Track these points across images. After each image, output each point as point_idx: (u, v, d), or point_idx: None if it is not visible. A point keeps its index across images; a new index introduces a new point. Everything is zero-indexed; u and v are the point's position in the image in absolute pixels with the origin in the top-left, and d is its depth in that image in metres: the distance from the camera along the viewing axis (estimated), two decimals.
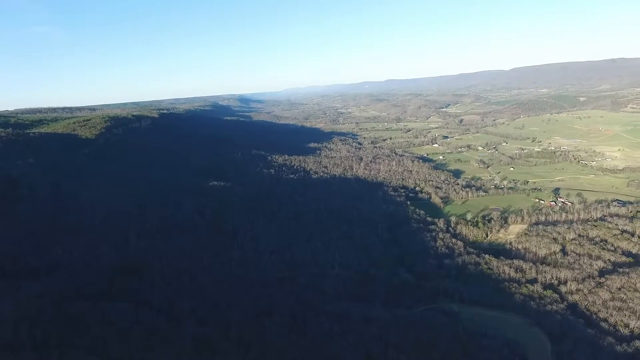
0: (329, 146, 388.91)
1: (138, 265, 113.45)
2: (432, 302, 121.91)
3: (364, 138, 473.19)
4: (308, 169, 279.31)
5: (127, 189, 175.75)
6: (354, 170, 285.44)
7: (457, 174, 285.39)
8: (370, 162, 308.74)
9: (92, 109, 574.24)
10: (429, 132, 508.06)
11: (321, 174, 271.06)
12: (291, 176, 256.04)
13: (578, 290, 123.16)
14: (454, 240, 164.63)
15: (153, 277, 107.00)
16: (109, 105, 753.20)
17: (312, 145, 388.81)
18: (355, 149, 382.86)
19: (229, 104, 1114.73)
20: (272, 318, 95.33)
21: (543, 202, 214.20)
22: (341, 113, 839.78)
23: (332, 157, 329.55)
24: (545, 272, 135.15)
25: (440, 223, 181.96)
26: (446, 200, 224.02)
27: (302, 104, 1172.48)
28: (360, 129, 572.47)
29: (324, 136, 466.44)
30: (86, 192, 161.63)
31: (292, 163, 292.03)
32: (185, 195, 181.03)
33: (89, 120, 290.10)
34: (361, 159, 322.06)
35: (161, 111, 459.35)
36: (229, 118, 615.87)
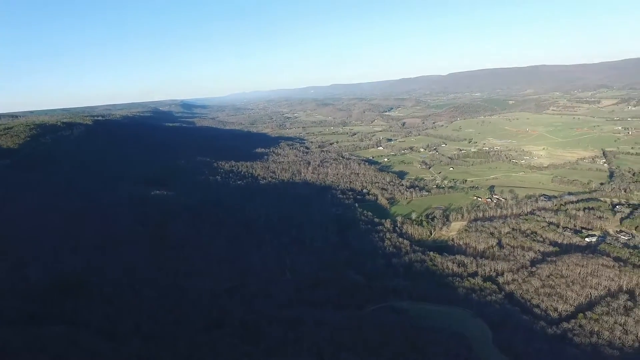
0: (276, 151, 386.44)
1: (73, 283, 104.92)
2: (382, 301, 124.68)
3: (311, 142, 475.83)
4: (256, 175, 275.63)
5: (59, 202, 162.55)
6: (303, 174, 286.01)
7: (401, 175, 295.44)
8: (318, 166, 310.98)
9: (13, 115, 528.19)
10: (374, 135, 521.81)
11: (269, 179, 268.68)
12: (239, 182, 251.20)
13: (513, 280, 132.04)
14: (400, 239, 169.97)
15: (91, 294, 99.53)
16: (33, 112, 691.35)
17: (259, 150, 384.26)
18: (303, 153, 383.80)
19: (171, 110, 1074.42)
20: (223, 329, 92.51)
21: (480, 199, 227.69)
22: (288, 118, 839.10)
23: (280, 162, 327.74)
24: (484, 265, 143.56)
25: (387, 223, 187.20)
26: (392, 201, 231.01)
27: (248, 109, 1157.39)
28: (307, 133, 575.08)
29: (271, 141, 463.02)
30: (8, 206, 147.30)
31: (240, 169, 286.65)
32: (125, 206, 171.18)
33: (11, 128, 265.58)
34: (309, 163, 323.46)
35: (95, 118, 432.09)
36: (170, 124, 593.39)
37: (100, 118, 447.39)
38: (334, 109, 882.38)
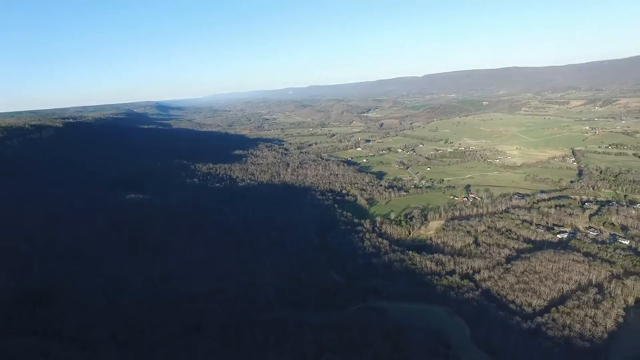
0: (255, 153, 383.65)
1: (44, 292, 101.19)
2: (363, 301, 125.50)
3: (290, 144, 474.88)
4: (234, 177, 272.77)
5: (26, 208, 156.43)
6: (282, 176, 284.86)
7: (380, 175, 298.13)
8: (298, 168, 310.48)
9: None
10: (352, 136, 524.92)
11: (248, 181, 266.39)
12: (217, 185, 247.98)
13: (490, 277, 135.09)
14: (380, 239, 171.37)
15: (64, 303, 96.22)
16: None
17: (237, 152, 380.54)
18: (282, 154, 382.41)
19: (146, 112, 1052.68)
20: (203, 334, 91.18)
21: (457, 198, 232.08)
22: (266, 119, 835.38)
23: (258, 164, 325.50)
24: (461, 263, 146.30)
25: (367, 224, 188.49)
26: (371, 201, 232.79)
27: (225, 111, 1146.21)
28: (285, 134, 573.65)
29: (250, 143, 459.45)
30: None
31: (217, 171, 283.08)
32: (99, 211, 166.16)
33: None
34: (288, 164, 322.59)
35: (66, 120, 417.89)
36: (146, 126, 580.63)
37: (71, 120, 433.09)
38: (313, 110, 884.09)
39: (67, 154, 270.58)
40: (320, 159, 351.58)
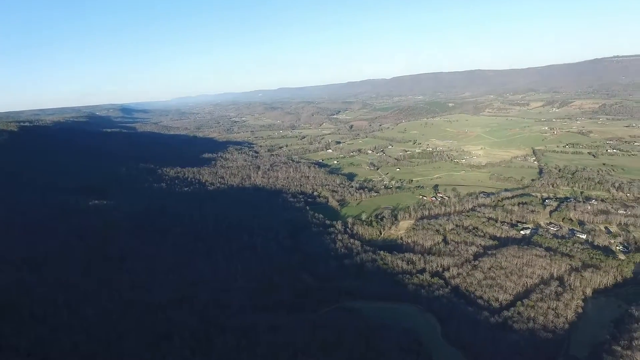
0: (224, 156, 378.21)
1: None
2: (335, 302, 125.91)
3: (260, 146, 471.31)
4: (203, 181, 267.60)
5: None
6: (252, 179, 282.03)
7: (350, 177, 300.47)
8: (268, 170, 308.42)
9: None
10: (323, 138, 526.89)
11: (218, 184, 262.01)
12: (185, 189, 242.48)
13: (459, 274, 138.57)
14: (352, 240, 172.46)
15: (20, 316, 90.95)
16: None
17: (206, 155, 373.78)
18: (252, 157, 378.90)
19: (109, 115, 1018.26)
20: (172, 342, 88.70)
21: (426, 198, 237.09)
22: (235, 122, 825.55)
23: (228, 167, 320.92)
24: (431, 261, 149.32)
25: (339, 225, 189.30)
26: (342, 202, 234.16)
27: (193, 114, 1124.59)
28: (255, 137, 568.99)
29: (219, 146, 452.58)
30: None
31: (186, 175, 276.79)
32: (59, 218, 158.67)
33: None
34: (259, 167, 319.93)
35: (22, 124, 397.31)
36: (109, 130, 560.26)
37: (27, 124, 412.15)
38: (283, 113, 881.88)
39: (23, 160, 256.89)
40: (291, 161, 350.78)
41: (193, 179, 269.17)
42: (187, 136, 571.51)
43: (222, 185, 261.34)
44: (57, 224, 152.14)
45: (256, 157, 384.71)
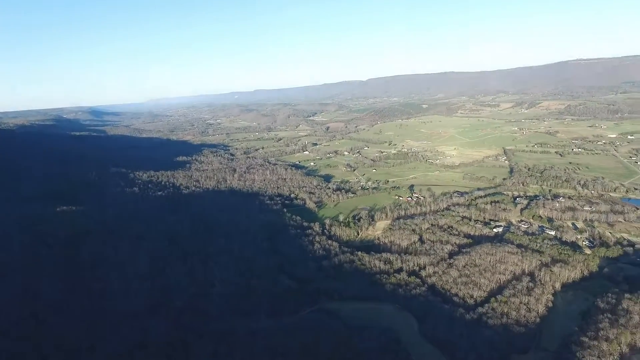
0: (199, 159, 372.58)
1: None
2: (314, 304, 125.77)
3: (236, 149, 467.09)
4: (178, 184, 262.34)
5: None
6: (228, 182, 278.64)
7: (327, 178, 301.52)
8: (245, 173, 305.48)
9: None
10: (299, 140, 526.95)
11: (193, 188, 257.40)
12: (159, 193, 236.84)
13: (435, 272, 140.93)
14: (329, 241, 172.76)
15: None
16: None
17: (180, 159, 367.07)
18: (228, 160, 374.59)
19: (77, 118, 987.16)
20: (147, 350, 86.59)
21: (402, 198, 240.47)
22: (210, 124, 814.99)
23: (203, 170, 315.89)
24: (408, 260, 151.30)
25: (316, 227, 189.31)
26: (320, 204, 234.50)
27: (167, 116, 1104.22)
28: (231, 139, 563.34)
29: (194, 149, 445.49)
30: None
31: (160, 179, 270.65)
32: (25, 226, 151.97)
33: None
34: (235, 170, 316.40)
35: None
36: (78, 133, 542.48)
37: None
38: (259, 115, 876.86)
39: None
40: (267, 164, 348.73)
41: (167, 183, 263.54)
42: (161, 139, 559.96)
43: (198, 189, 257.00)
44: (21, 232, 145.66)
45: (232, 159, 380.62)
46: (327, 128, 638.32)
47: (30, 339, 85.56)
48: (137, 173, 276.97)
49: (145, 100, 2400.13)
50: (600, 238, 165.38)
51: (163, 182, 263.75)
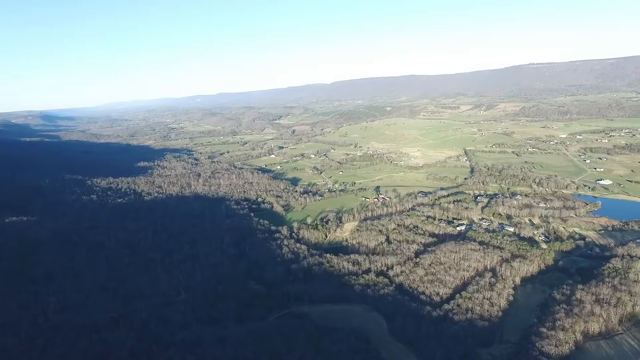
0: (162, 164, 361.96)
1: None
2: (284, 308, 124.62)
3: (200, 153, 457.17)
4: (139, 191, 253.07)
5: None
6: (193, 187, 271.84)
7: (294, 181, 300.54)
8: (210, 178, 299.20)
9: None
10: (265, 143, 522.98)
11: (155, 194, 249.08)
12: (119, 200, 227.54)
13: (402, 272, 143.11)
14: (298, 245, 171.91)
15: None
16: None
17: (142, 164, 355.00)
18: (192, 165, 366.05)
19: (27, 123, 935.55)
20: None
21: (368, 199, 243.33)
22: (173, 128, 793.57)
23: (166, 176, 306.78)
24: (376, 261, 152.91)
25: (284, 230, 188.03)
26: (287, 207, 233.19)
27: (126, 120, 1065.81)
28: (195, 144, 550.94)
29: (155, 154, 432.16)
30: None
31: (120, 186, 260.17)
32: None
33: None
34: (199, 175, 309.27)
35: None
36: (28, 139, 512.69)
37: None
38: (223, 118, 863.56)
39: None
40: (233, 168, 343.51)
41: (128, 189, 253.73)
42: (120, 144, 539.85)
43: (160, 195, 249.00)
44: None
45: (196, 164, 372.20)
46: (293, 131, 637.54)
47: None
48: (95, 180, 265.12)
49: (102, 104, 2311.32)
50: (554, 233, 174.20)
51: (123, 189, 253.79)
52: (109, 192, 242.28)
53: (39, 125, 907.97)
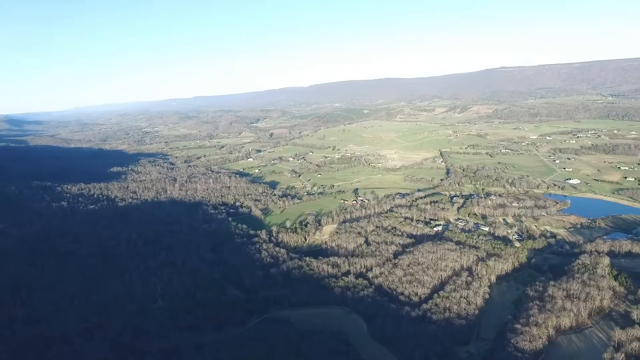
0: (136, 169, 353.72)
1: None
2: (264, 312, 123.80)
3: (176, 157, 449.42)
4: (113, 197, 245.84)
5: None
6: (169, 192, 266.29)
7: (273, 185, 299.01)
8: (186, 182, 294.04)
9: None
10: (243, 147, 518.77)
11: (130, 200, 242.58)
12: (91, 207, 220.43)
13: (381, 273, 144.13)
14: (277, 248, 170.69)
15: None
16: None
17: (115, 169, 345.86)
18: (168, 169, 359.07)
19: None
20: None
21: (347, 202, 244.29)
22: (147, 132, 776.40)
23: (141, 181, 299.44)
24: (355, 263, 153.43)
25: (263, 234, 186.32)
26: (266, 211, 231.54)
27: (98, 124, 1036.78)
28: (170, 148, 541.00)
29: (129, 158, 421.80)
30: None
31: (92, 192, 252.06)
32: None
33: None
34: (175, 179, 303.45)
35: None
36: None
37: None
38: (199, 122, 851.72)
39: None
40: (210, 172, 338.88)
41: (100, 196, 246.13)
42: (92, 149, 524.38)
43: (135, 201, 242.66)
44: None
45: (172, 168, 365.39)
46: (271, 134, 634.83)
47: None
48: (66, 186, 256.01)
49: (72, 107, 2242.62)
50: (527, 231, 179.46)
51: (96, 195, 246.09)
52: (80, 199, 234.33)
53: (4, 130, 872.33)
